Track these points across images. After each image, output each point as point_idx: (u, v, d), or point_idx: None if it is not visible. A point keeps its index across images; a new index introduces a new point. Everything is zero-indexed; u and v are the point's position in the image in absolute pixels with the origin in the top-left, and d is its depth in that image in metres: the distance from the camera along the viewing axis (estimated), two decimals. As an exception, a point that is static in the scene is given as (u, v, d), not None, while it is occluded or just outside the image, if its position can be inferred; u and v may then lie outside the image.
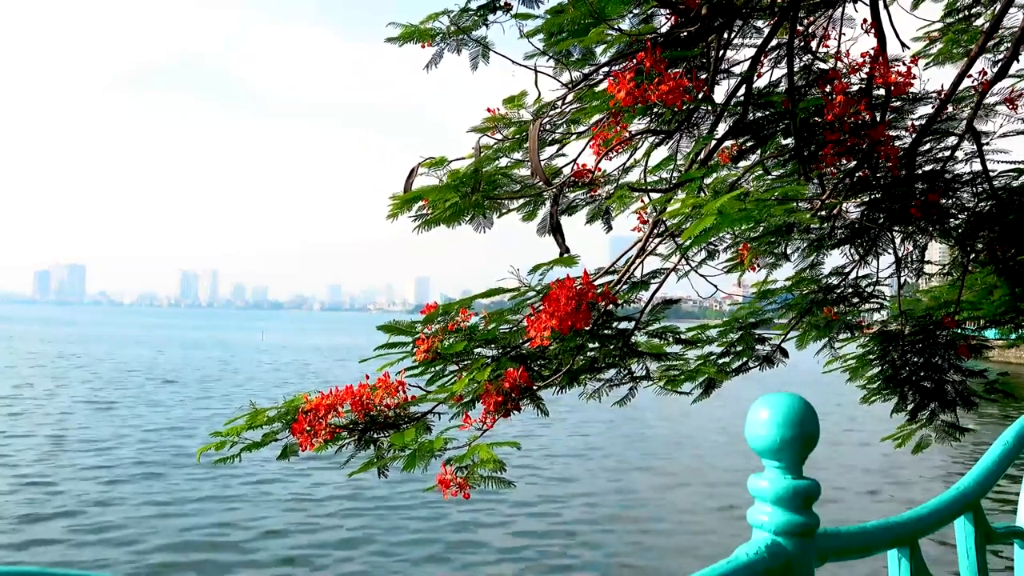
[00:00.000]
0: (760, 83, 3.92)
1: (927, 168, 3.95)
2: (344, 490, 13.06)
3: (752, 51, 3.66)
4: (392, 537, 10.79)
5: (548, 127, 3.90)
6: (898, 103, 3.80)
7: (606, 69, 3.64)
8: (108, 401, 24.56)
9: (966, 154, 3.92)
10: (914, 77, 3.31)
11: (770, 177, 3.99)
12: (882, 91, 3.36)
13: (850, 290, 4.53)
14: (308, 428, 2.98)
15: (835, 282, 4.57)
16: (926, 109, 3.87)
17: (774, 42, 3.86)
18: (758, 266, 4.33)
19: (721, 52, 3.60)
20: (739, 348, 4.42)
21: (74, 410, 22.21)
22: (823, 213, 3.79)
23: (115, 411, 22.32)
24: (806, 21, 4.08)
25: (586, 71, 3.72)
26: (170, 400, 25.33)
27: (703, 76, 3.60)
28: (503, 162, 3.96)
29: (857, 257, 4.25)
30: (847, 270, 4.49)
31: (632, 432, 20.34)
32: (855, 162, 3.53)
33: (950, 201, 3.89)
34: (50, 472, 14.20)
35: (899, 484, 14.97)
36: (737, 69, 3.86)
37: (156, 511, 11.75)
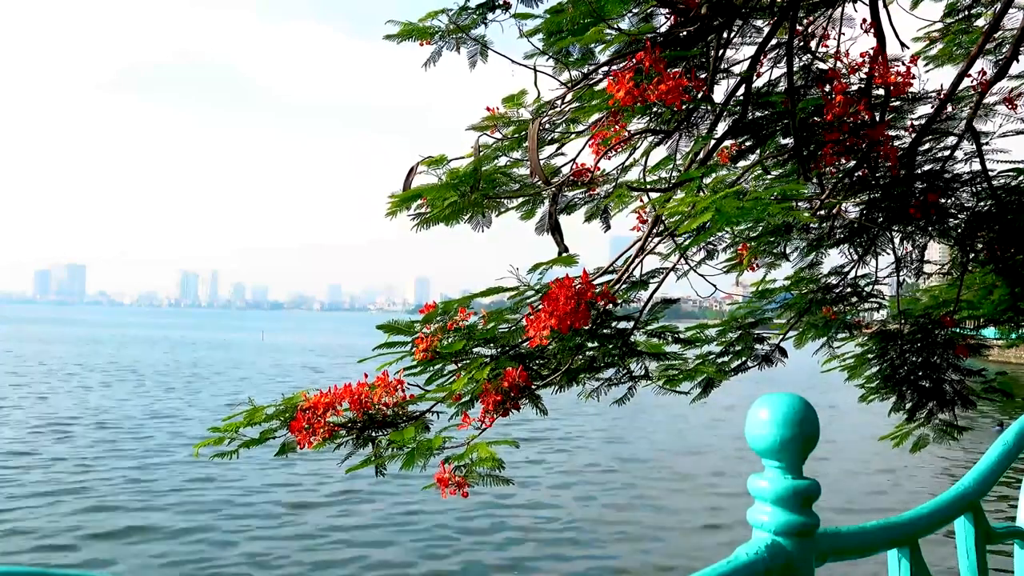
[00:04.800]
0: (759, 83, 3.92)
1: (927, 168, 3.95)
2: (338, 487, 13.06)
3: (752, 51, 3.66)
4: (386, 536, 10.79)
5: (547, 126, 3.89)
6: (898, 103, 3.80)
7: (605, 68, 3.64)
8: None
9: (966, 154, 3.92)
10: (913, 77, 3.30)
11: (769, 177, 3.98)
12: (881, 91, 3.36)
13: (849, 289, 4.53)
14: (307, 426, 2.97)
15: (834, 281, 4.57)
16: (926, 109, 3.87)
17: (773, 42, 3.86)
18: (757, 266, 4.33)
19: (720, 52, 3.59)
20: (738, 347, 4.42)
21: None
22: (822, 213, 3.79)
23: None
24: (806, 21, 4.08)
25: (585, 70, 3.72)
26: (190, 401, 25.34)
27: (702, 76, 3.59)
28: (502, 161, 3.95)
29: (856, 257, 4.25)
30: (846, 270, 4.49)
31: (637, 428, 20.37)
32: (854, 162, 3.53)
33: (949, 201, 3.89)
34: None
35: (899, 483, 14.99)
36: (737, 69, 3.85)
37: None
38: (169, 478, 13.85)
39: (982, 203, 3.91)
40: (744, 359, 4.42)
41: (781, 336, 4.54)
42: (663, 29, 3.57)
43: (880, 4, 3.65)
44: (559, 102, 3.73)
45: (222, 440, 3.07)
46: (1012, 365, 43.74)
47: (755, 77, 3.64)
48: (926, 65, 4.87)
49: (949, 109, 3.92)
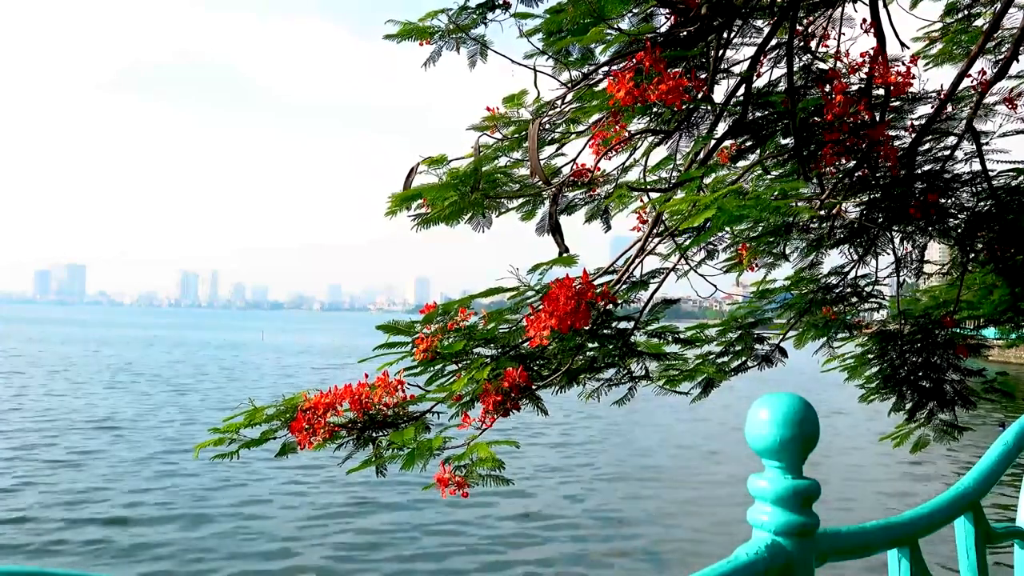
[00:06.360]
0: (759, 83, 3.92)
1: (927, 168, 3.95)
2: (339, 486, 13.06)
3: (752, 51, 3.66)
4: (386, 538, 10.79)
5: (547, 126, 3.89)
6: (898, 103, 3.80)
7: (605, 68, 3.64)
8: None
9: (966, 154, 3.91)
10: (913, 77, 3.30)
11: (769, 177, 3.99)
12: (881, 91, 3.36)
13: (849, 290, 4.53)
14: (307, 426, 2.97)
15: (834, 282, 4.57)
16: (926, 109, 3.87)
17: (774, 42, 3.86)
18: (757, 266, 4.33)
19: (721, 52, 3.59)
20: (738, 347, 4.42)
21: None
22: (822, 213, 3.78)
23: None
24: (806, 21, 4.08)
25: (585, 70, 3.72)
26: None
27: (703, 76, 3.59)
28: (502, 161, 3.95)
29: (856, 257, 4.25)
30: (846, 270, 4.49)
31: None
32: (854, 162, 3.53)
33: (949, 201, 3.89)
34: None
35: (898, 484, 14.99)
36: (737, 69, 3.85)
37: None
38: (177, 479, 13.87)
39: (982, 203, 3.91)
40: (744, 359, 4.42)
41: (781, 336, 4.54)
42: (663, 29, 3.57)
43: (880, 4, 3.65)
44: (559, 102, 3.73)
45: (222, 441, 3.07)
46: (1012, 365, 43.72)
47: (755, 77, 3.64)
48: (926, 65, 4.87)
49: (949, 109, 3.92)
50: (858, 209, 3.98)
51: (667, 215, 3.62)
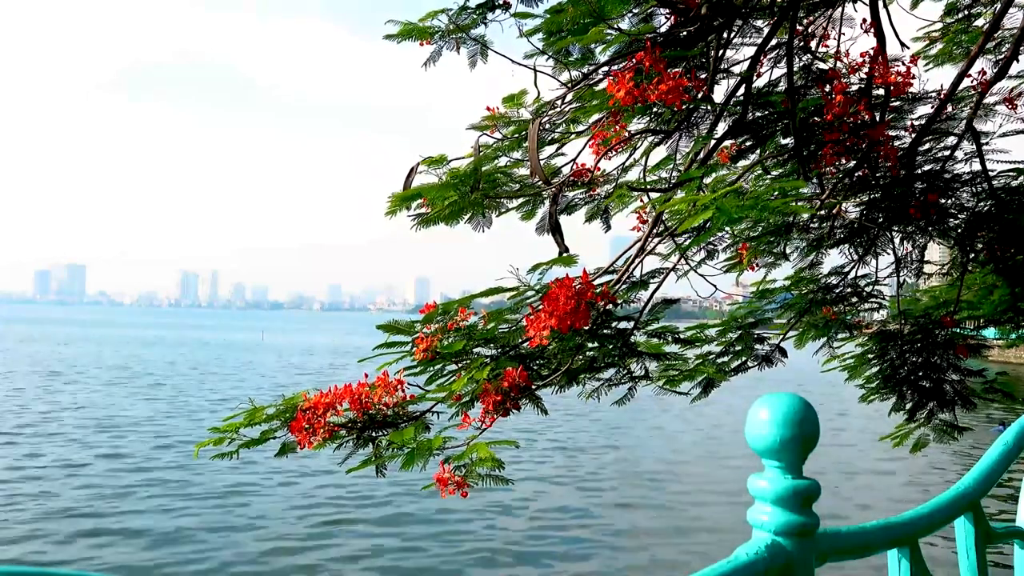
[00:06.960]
0: (759, 83, 3.92)
1: (927, 168, 3.95)
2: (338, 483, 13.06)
3: (752, 51, 3.66)
4: (390, 537, 10.79)
5: (547, 126, 3.89)
6: (898, 103, 3.80)
7: (606, 68, 3.64)
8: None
9: (966, 154, 3.91)
10: (913, 77, 3.30)
11: (769, 177, 3.98)
12: (881, 91, 3.36)
13: (849, 290, 4.53)
14: (307, 426, 2.97)
15: (834, 282, 4.57)
16: (926, 109, 3.87)
17: (774, 42, 3.85)
18: (757, 266, 4.33)
19: (721, 52, 3.59)
20: (738, 348, 4.42)
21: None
22: (822, 213, 3.79)
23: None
24: (806, 21, 4.08)
25: (586, 70, 3.72)
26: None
27: (703, 76, 3.59)
28: (502, 161, 3.95)
29: (856, 257, 4.25)
30: (846, 270, 4.49)
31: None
32: (854, 162, 3.53)
33: (949, 201, 3.89)
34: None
35: (898, 483, 14.99)
36: (737, 69, 3.85)
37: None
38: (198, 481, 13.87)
39: (982, 203, 3.91)
40: (744, 359, 4.42)
41: (781, 336, 4.54)
42: (663, 29, 3.57)
43: (880, 4, 3.65)
44: (559, 102, 3.73)
45: (222, 440, 3.07)
46: (1012, 365, 43.71)
47: (755, 77, 3.63)
48: (926, 65, 4.87)
49: (949, 109, 3.92)
50: (858, 209, 3.98)
51: (667, 215, 3.63)
